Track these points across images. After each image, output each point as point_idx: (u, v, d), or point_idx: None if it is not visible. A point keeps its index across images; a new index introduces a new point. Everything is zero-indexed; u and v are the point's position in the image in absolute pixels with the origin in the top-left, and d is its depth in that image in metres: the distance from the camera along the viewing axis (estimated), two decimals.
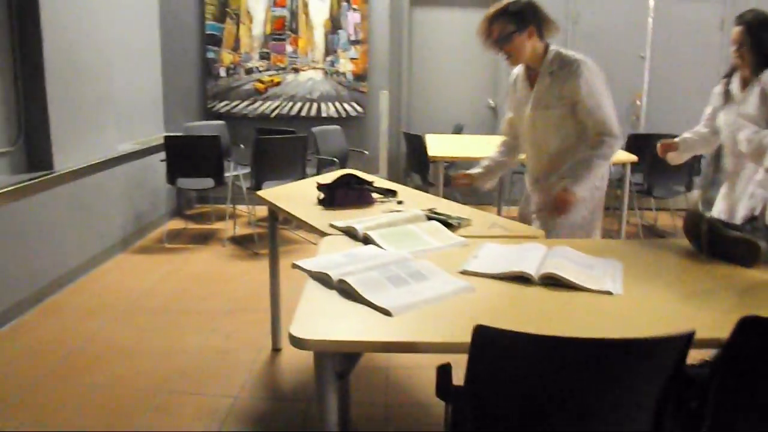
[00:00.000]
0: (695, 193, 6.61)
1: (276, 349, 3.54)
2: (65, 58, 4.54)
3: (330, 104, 7.02)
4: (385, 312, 1.63)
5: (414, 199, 3.06)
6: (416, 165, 5.93)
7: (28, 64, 4.27)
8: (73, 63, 4.66)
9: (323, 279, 1.85)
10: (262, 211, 6.31)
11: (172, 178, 5.59)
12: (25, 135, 4.33)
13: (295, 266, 1.97)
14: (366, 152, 6.83)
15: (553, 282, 1.88)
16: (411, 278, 1.86)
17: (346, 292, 1.76)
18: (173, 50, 6.92)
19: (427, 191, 3.22)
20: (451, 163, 5.91)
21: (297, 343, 1.48)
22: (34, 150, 4.39)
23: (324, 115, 7.02)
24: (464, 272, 1.98)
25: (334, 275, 1.82)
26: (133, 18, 6.15)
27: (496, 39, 2.87)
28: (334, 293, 1.78)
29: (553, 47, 2.97)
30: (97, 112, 5.05)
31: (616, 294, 1.82)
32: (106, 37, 5.14)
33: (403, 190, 3.20)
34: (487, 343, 1.39)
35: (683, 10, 7.07)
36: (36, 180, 4.17)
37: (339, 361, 1.61)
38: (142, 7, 6.41)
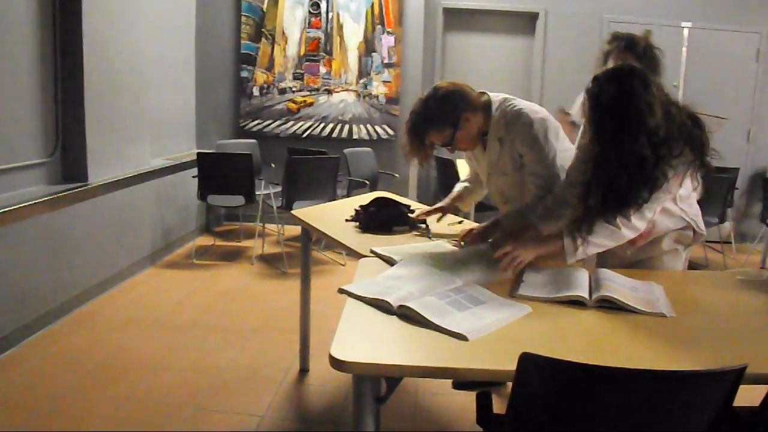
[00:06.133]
0: (728, 225, 6.52)
1: (304, 370, 3.51)
2: (104, 74, 4.60)
3: (362, 126, 7.04)
4: (461, 337, 1.60)
5: (446, 223, 3.05)
6: (447, 189, 5.89)
7: (69, 79, 4.33)
8: (111, 78, 4.72)
9: (380, 305, 1.80)
10: (290, 230, 6.31)
11: (203, 194, 5.62)
12: (62, 147, 4.38)
13: (342, 291, 1.92)
14: (396, 175, 6.81)
15: (606, 305, 1.87)
16: (468, 302, 1.83)
17: (408, 317, 1.72)
18: (208, 68, 6.99)
19: (456, 214, 3.17)
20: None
21: (337, 365, 1.45)
22: (70, 162, 4.44)
23: (355, 137, 7.04)
24: (515, 296, 1.95)
25: (393, 302, 1.78)
26: (170, 36, 6.24)
27: (443, 145, 2.62)
28: (373, 315, 1.75)
29: (496, 101, 2.66)
30: (132, 127, 5.11)
31: (670, 316, 1.82)
32: (143, 54, 5.21)
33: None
34: (533, 371, 1.36)
35: (718, 40, 7.03)
36: (70, 191, 4.22)
37: (377, 385, 1.58)
38: (179, 25, 6.51)
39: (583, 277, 2.08)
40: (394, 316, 1.74)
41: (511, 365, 1.37)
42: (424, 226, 2.96)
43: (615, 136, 2.00)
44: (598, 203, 2.08)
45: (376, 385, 1.55)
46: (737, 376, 1.37)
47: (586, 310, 1.87)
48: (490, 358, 1.53)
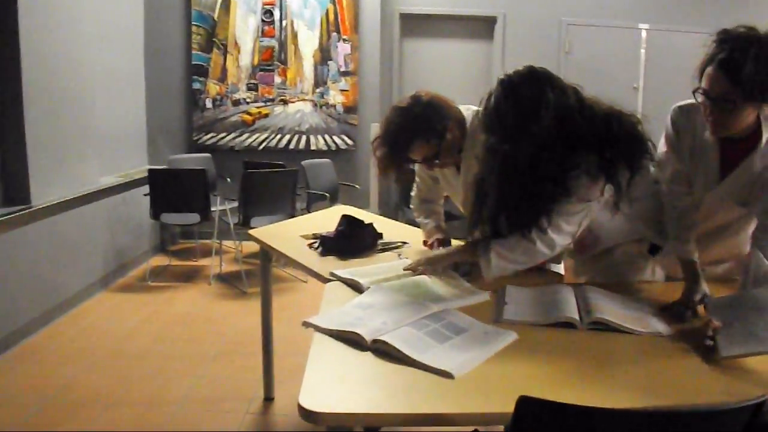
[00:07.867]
0: None
1: (268, 398, 3.29)
2: (45, 88, 4.34)
3: (319, 137, 6.85)
4: (446, 374, 1.43)
5: (409, 237, 2.87)
6: (409, 200, 5.75)
7: (5, 93, 4.06)
8: (53, 92, 4.45)
9: (351, 339, 1.61)
10: (249, 247, 6.08)
11: (156, 213, 5.35)
12: (0, 167, 4.10)
13: (306, 325, 1.72)
14: (357, 186, 6.64)
15: (598, 326, 1.73)
16: (449, 331, 1.66)
17: (385, 353, 1.54)
18: (158, 81, 6.72)
19: (419, 226, 2.96)
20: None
21: (308, 416, 1.27)
22: (10, 183, 4.16)
23: (313, 148, 6.84)
24: (502, 321, 1.79)
25: (366, 334, 1.59)
26: (117, 47, 5.96)
27: (424, 160, 2.41)
28: (345, 352, 1.56)
29: (469, 116, 2.45)
30: (78, 143, 4.84)
31: (666, 335, 1.70)
32: (88, 66, 4.95)
33: (397, 226, 3.00)
34: (533, 416, 1.19)
35: (676, 41, 7.00)
36: (11, 215, 3.94)
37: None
38: (127, 35, 6.24)
39: (569, 295, 1.93)
40: (368, 352, 1.55)
41: (505, 407, 1.21)
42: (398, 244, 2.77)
43: (497, 138, 1.99)
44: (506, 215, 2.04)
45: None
46: (755, 410, 1.22)
47: (577, 333, 1.72)
48: (481, 400, 1.36)
